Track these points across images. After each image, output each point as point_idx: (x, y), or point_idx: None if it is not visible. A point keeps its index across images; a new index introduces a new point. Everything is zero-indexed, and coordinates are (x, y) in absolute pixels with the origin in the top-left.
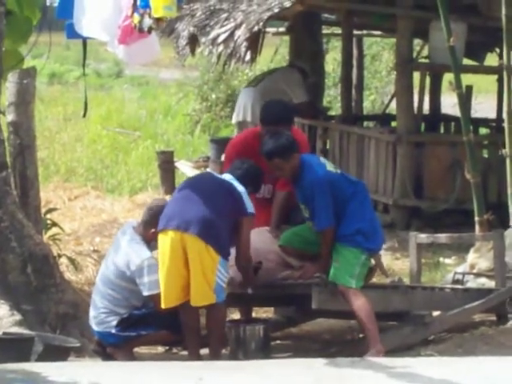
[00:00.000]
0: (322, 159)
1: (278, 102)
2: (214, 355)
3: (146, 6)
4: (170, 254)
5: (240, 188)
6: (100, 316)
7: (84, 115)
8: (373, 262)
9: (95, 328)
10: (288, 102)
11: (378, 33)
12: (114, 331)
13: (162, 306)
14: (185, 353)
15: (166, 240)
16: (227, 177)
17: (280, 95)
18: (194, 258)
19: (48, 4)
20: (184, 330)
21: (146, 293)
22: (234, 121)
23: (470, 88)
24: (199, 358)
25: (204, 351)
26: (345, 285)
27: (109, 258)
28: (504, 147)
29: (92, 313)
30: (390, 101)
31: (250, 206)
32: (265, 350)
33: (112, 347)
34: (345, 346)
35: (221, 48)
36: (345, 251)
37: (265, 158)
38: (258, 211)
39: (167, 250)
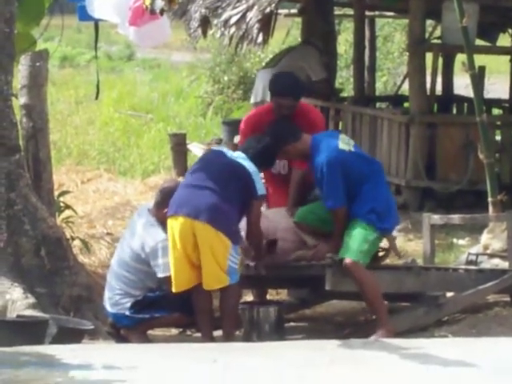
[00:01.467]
0: (336, 136)
1: (287, 74)
2: (228, 337)
3: None
4: (180, 239)
5: (251, 169)
6: (115, 297)
7: (96, 97)
8: (386, 243)
9: (109, 309)
10: (300, 77)
11: (391, 14)
12: (128, 313)
13: (174, 290)
14: (199, 335)
15: (175, 225)
16: (239, 156)
17: (299, 74)
18: (204, 245)
19: None
20: (196, 312)
21: (160, 274)
22: (252, 101)
23: (482, 69)
24: (212, 339)
25: (217, 333)
26: (352, 258)
27: (124, 240)
28: None
29: (107, 294)
30: (403, 82)
31: (260, 188)
32: (278, 332)
33: (126, 329)
34: (358, 327)
35: (233, 30)
36: (358, 226)
37: None
38: (273, 187)
39: (177, 235)
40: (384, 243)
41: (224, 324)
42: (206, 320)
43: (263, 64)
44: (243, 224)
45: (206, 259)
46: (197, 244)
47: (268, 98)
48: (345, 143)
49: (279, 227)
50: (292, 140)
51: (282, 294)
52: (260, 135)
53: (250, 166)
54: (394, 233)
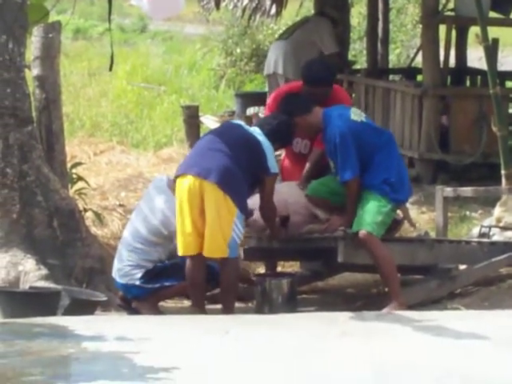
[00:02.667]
0: (347, 108)
1: (319, 62)
2: (226, 312)
3: None
4: (188, 200)
5: (266, 146)
6: (125, 268)
7: (110, 69)
8: (400, 214)
9: (119, 280)
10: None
11: None
12: (138, 283)
13: (180, 253)
14: (211, 306)
15: (184, 185)
16: (256, 131)
17: (311, 47)
18: (210, 206)
19: None
20: (188, 282)
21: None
22: (264, 73)
23: (496, 41)
24: (204, 311)
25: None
26: (367, 230)
27: (140, 213)
28: None
29: (117, 265)
30: (416, 54)
31: (273, 166)
32: (291, 304)
33: (137, 301)
34: (371, 299)
35: (246, 2)
36: (372, 198)
37: None
38: (294, 165)
39: (185, 196)
40: (396, 213)
41: (221, 298)
42: (198, 293)
43: (276, 36)
44: (256, 201)
45: (210, 223)
46: (203, 208)
47: (279, 71)
48: (356, 114)
49: (289, 200)
50: (302, 112)
51: (295, 266)
52: (276, 113)
53: (265, 142)
54: (407, 205)
